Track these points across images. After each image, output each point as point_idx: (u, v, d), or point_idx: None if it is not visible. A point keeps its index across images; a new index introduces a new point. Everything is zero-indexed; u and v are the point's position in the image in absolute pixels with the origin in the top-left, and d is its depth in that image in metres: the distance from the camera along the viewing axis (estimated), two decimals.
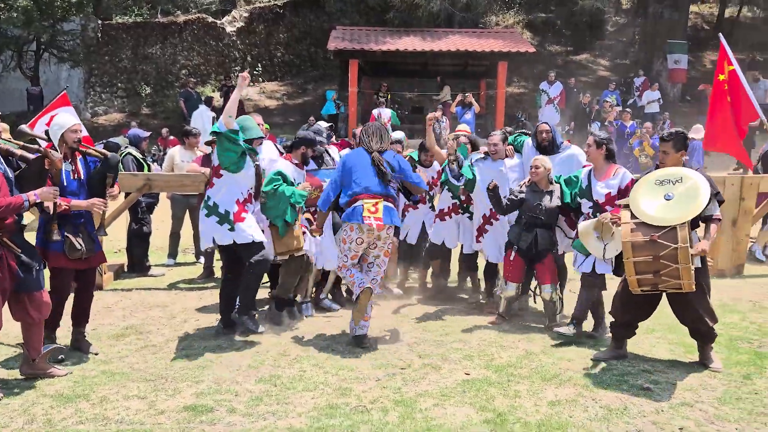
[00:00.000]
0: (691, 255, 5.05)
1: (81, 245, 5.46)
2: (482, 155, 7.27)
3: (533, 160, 6.70)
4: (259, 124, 7.09)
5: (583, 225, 6.19)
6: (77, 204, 5.42)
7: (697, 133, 12.40)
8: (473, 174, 7.00)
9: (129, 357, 5.67)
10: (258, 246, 6.04)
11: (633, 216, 5.25)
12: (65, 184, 5.40)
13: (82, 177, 5.60)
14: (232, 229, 5.97)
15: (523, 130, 7.52)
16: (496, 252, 7.16)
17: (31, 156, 5.15)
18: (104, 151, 5.80)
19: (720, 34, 10.08)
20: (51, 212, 5.30)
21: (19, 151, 5.13)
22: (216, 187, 6.08)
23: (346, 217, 6.02)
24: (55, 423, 4.38)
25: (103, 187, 5.65)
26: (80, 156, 5.64)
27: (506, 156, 7.17)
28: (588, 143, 6.40)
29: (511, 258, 6.68)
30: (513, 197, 6.66)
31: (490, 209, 7.10)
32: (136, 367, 5.42)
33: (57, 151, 5.33)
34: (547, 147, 6.98)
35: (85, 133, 8.93)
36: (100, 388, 4.94)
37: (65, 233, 5.42)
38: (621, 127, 18.11)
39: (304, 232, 6.72)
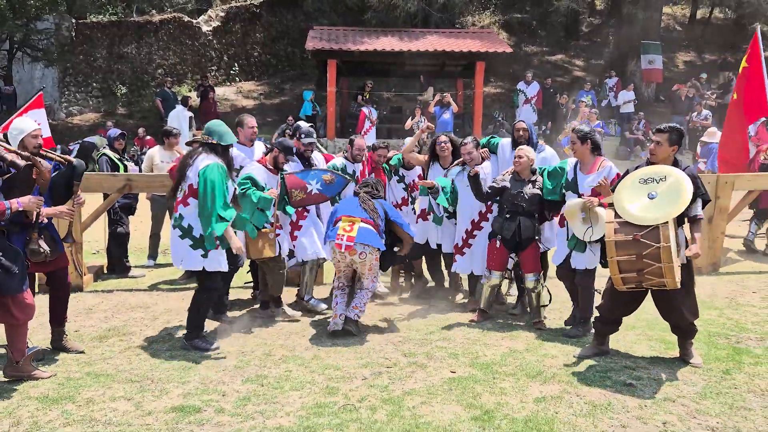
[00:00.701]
0: (686, 256, 5.22)
1: (44, 248, 5.30)
2: (459, 167, 7.33)
3: (517, 150, 6.77)
4: (251, 127, 7.10)
5: (570, 203, 6.22)
6: (45, 212, 5.30)
7: (712, 137, 12.55)
8: (453, 187, 7.19)
9: (113, 358, 5.63)
10: (213, 276, 5.93)
11: (617, 215, 5.28)
12: None
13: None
14: (205, 256, 5.80)
15: (494, 134, 7.68)
16: (478, 264, 7.22)
17: (22, 163, 5.07)
18: (68, 157, 5.67)
19: (757, 26, 10.19)
20: (33, 221, 5.22)
21: (10, 156, 5.04)
22: (192, 207, 5.82)
23: (327, 237, 6.49)
24: (41, 425, 4.35)
25: (69, 194, 5.53)
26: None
27: (482, 160, 7.25)
28: (572, 140, 6.45)
29: (497, 246, 6.73)
30: (495, 185, 6.72)
31: (472, 221, 7.18)
32: (121, 368, 5.38)
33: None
34: (524, 145, 7.02)
35: (47, 134, 8.87)
36: (85, 390, 4.91)
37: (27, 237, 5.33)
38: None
39: (278, 234, 6.79)
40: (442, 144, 7.45)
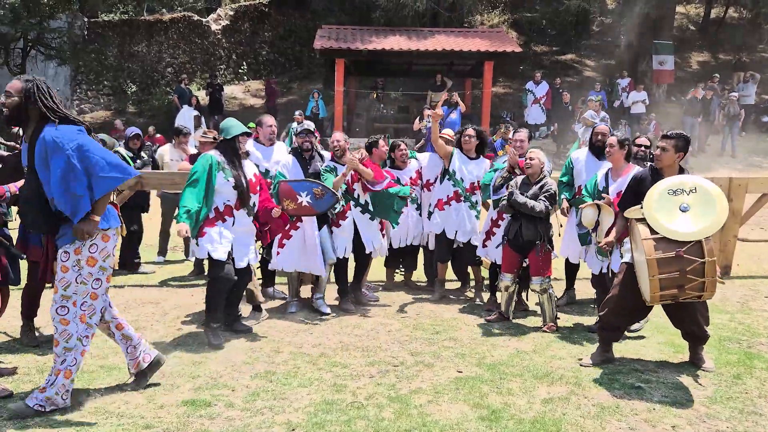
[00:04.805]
0: None
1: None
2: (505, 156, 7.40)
3: (528, 152, 6.76)
4: (270, 126, 7.08)
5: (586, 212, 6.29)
6: None
7: None
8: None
9: None
10: (214, 263, 5.91)
11: (652, 231, 5.06)
12: None
13: None
14: (197, 244, 5.88)
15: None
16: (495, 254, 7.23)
17: (6, 154, 5.23)
18: None
19: None
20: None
21: None
22: None
23: None
24: (56, 414, 4.38)
25: None
26: None
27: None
28: (610, 143, 6.38)
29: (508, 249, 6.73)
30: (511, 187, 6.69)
31: (498, 211, 7.18)
32: None
33: None
34: (601, 149, 6.88)
35: None
36: (98, 383, 4.96)
37: None
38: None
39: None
40: (468, 138, 7.55)
